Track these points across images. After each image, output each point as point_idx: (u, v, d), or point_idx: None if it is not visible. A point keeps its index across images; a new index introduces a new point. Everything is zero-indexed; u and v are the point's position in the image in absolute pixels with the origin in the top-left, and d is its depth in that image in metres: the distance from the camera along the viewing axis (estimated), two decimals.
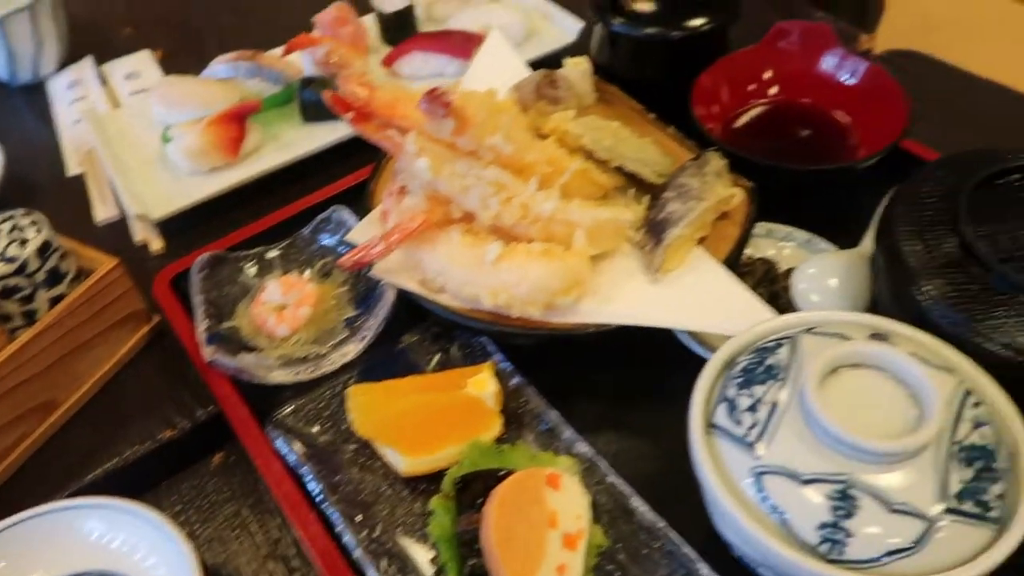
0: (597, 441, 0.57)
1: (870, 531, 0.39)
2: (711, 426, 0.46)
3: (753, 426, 0.43)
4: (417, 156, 0.56)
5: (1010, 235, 0.52)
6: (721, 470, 0.44)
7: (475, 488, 0.50)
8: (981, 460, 0.41)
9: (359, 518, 0.51)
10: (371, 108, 0.56)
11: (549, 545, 0.47)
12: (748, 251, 0.66)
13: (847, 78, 0.73)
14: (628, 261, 0.61)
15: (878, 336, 0.46)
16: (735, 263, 0.61)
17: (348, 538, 0.50)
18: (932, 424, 0.40)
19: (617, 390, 0.61)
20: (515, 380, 0.58)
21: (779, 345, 0.47)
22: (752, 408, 0.44)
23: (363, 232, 0.64)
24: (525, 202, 0.58)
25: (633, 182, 0.66)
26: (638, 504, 0.50)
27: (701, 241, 0.62)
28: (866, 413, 0.42)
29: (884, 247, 0.54)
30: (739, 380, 0.46)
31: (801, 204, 0.70)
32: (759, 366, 0.46)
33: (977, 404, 0.43)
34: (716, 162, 0.64)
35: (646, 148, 0.65)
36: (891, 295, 0.54)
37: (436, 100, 0.49)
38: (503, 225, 0.59)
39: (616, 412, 0.60)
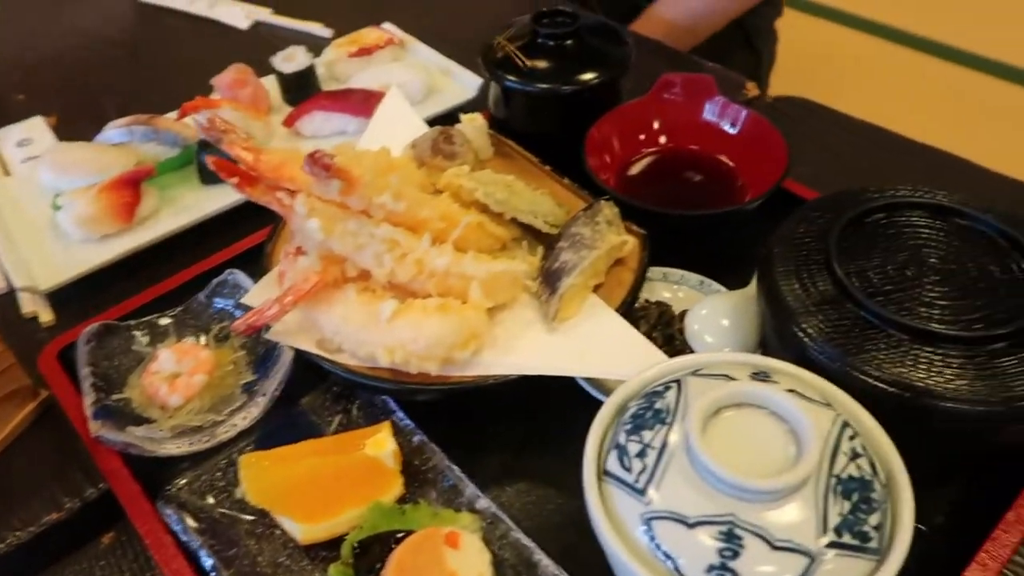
0: (503, 494, 0.57)
1: (756, 571, 0.40)
2: (604, 473, 0.46)
3: (642, 472, 0.44)
4: (307, 217, 0.56)
5: (878, 271, 0.54)
6: (614, 518, 0.44)
7: (373, 552, 0.49)
8: (858, 492, 0.42)
9: None
10: (258, 171, 0.55)
11: None
12: (644, 295, 0.68)
13: (729, 125, 0.76)
14: (526, 311, 0.62)
15: (760, 375, 0.48)
16: (630, 308, 0.63)
17: None
18: (809, 459, 0.41)
19: (522, 440, 0.61)
20: (417, 437, 0.58)
21: (667, 388, 0.48)
22: (641, 454, 0.45)
23: (259, 295, 0.63)
24: (419, 258, 0.58)
25: (531, 233, 0.68)
26: (541, 558, 0.50)
27: (597, 288, 0.63)
28: (749, 452, 0.43)
29: (764, 288, 0.56)
30: (629, 426, 0.47)
31: (694, 247, 0.73)
32: (648, 410, 0.47)
33: (853, 436, 0.45)
34: (608, 211, 0.65)
35: (539, 200, 0.66)
36: (775, 334, 0.56)
37: (317, 163, 0.50)
38: (399, 281, 0.59)
39: (521, 463, 0.60)
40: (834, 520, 0.41)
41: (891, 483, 0.45)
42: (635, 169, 0.78)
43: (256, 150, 0.55)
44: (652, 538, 0.42)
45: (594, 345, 0.59)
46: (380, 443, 0.54)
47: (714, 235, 0.73)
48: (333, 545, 0.52)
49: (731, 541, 0.40)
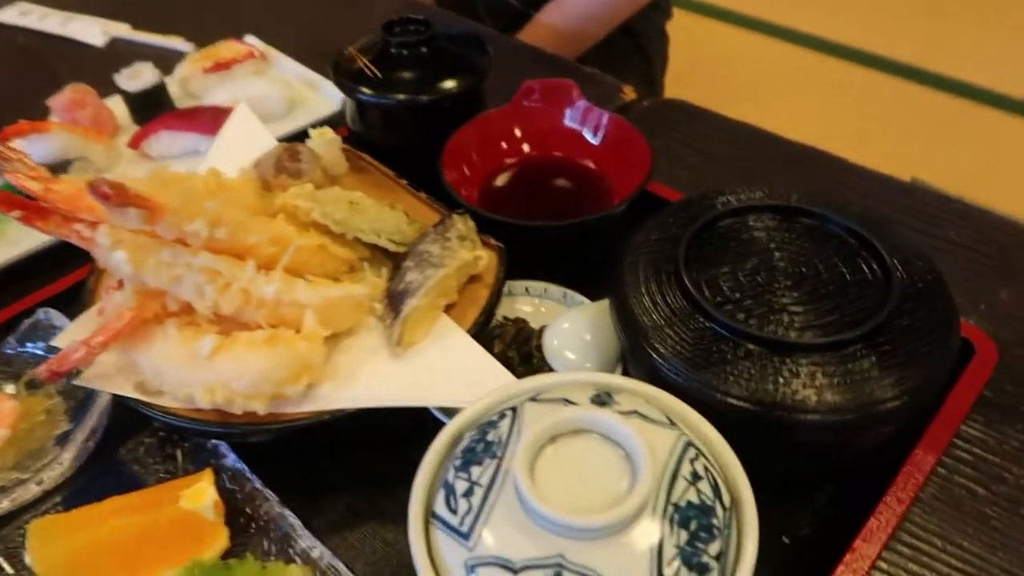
0: (343, 541, 0.53)
1: None
2: (432, 516, 0.42)
3: (468, 513, 0.40)
4: (112, 249, 0.50)
5: (729, 279, 0.52)
6: (440, 566, 0.40)
7: None
8: (697, 519, 0.39)
9: None
10: (49, 202, 0.50)
11: None
12: (503, 312, 0.64)
13: (591, 130, 0.74)
14: (372, 337, 0.58)
15: (601, 397, 0.44)
16: (484, 327, 0.59)
17: None
18: (641, 489, 0.38)
19: (369, 479, 0.57)
20: (251, 483, 0.52)
21: (501, 417, 0.44)
22: (468, 492, 0.41)
23: (74, 335, 0.57)
24: (245, 287, 0.53)
25: (384, 253, 0.63)
26: None
27: (449, 308, 0.60)
28: (583, 484, 0.40)
29: (615, 302, 0.54)
30: (459, 461, 0.43)
31: (560, 259, 0.70)
32: (480, 443, 0.43)
33: (696, 457, 0.42)
34: (461, 225, 0.62)
35: (385, 217, 0.62)
36: (628, 350, 0.53)
37: (98, 192, 0.44)
38: (226, 314, 0.54)
39: (367, 504, 0.55)
40: (670, 553, 0.38)
41: (736, 505, 0.42)
42: (499, 180, 0.75)
43: (46, 179, 0.50)
44: None
45: (442, 371, 0.55)
46: (198, 494, 0.49)
47: (579, 245, 0.70)
48: None
49: None
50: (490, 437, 0.43)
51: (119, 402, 0.55)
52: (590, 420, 0.41)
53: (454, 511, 0.40)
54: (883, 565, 0.51)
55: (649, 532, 0.38)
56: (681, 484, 0.40)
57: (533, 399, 0.45)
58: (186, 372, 0.51)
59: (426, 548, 0.40)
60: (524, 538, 0.38)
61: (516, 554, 0.38)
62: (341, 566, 0.48)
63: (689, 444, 0.42)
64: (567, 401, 0.44)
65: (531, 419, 0.43)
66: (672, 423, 0.44)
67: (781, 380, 0.47)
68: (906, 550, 0.52)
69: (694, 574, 0.38)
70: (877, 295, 0.50)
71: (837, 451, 0.51)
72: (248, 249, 0.55)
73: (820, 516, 0.54)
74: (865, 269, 0.52)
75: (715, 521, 0.40)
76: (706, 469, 0.42)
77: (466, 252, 0.60)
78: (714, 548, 0.39)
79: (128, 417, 0.55)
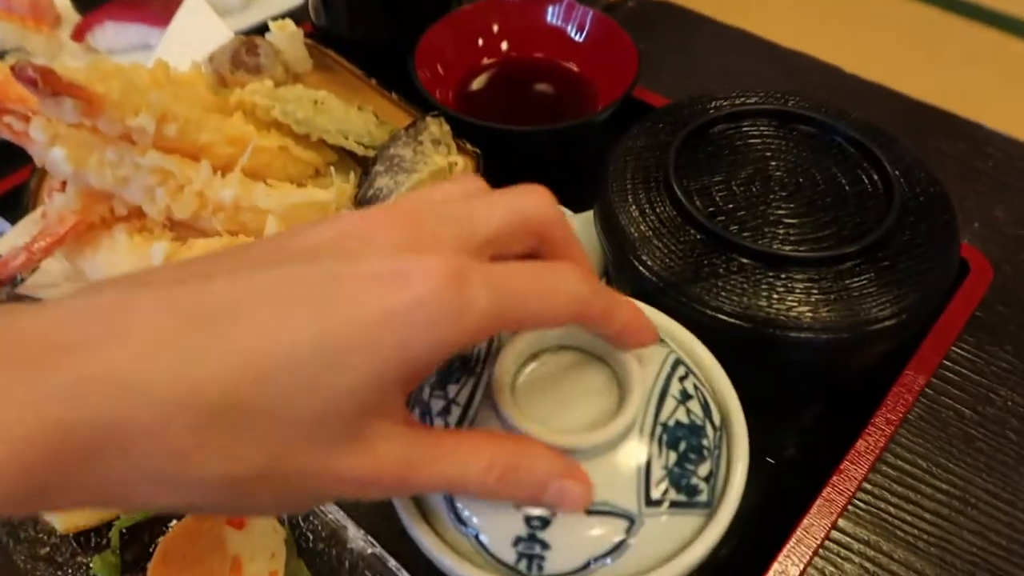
0: None
1: (570, 540, 0.34)
2: None
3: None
4: (49, 146, 0.46)
5: (722, 188, 0.49)
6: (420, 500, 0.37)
7: (143, 540, 0.41)
8: (686, 440, 0.37)
9: None
10: None
11: None
12: None
13: (575, 29, 0.69)
14: None
15: None
16: None
17: None
18: (629, 409, 0.35)
19: None
20: None
21: None
22: (444, 411, 0.38)
23: (16, 240, 0.53)
24: (200, 190, 0.49)
25: (352, 158, 0.59)
26: (352, 532, 0.44)
27: None
28: (566, 403, 0.37)
29: (600, 211, 0.50)
30: (434, 379, 0.40)
31: (540, 167, 0.66)
32: (456, 359, 0.40)
33: (685, 376, 0.39)
34: (435, 128, 0.57)
35: (353, 118, 0.58)
36: (612, 263, 0.50)
37: (22, 76, 0.39)
38: (180, 220, 0.50)
39: None
40: (658, 475, 0.36)
41: (726, 426, 0.40)
42: (476, 82, 0.70)
43: None
44: (452, 510, 0.36)
45: None
46: None
47: (562, 152, 0.66)
48: (105, 532, 0.44)
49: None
50: (467, 353, 0.40)
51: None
52: (573, 336, 0.38)
53: None
54: (868, 487, 0.50)
55: (636, 453, 0.36)
56: (670, 403, 0.38)
57: None
58: None
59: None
60: None
61: None
62: None
63: (679, 362, 0.40)
64: None
65: (511, 335, 0.40)
66: (660, 340, 0.41)
67: (775, 296, 0.44)
68: (891, 471, 0.51)
69: (683, 496, 0.36)
70: (877, 208, 0.48)
71: (829, 371, 0.49)
72: (202, 149, 0.50)
73: (806, 437, 0.52)
74: (865, 180, 0.49)
75: (705, 442, 0.38)
76: (696, 388, 0.39)
77: (440, 157, 0.56)
78: (703, 469, 0.37)
79: None
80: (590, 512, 0.34)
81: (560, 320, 0.29)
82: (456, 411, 0.37)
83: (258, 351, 0.22)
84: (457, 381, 0.38)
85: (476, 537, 0.34)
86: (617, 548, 0.34)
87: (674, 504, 0.36)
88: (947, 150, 0.73)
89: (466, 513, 0.35)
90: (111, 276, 0.28)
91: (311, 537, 0.44)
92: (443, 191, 0.30)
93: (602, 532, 0.34)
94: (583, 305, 0.29)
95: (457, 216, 0.28)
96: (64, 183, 0.50)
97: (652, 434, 0.36)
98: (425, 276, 0.24)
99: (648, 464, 0.35)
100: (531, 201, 0.31)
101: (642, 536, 0.35)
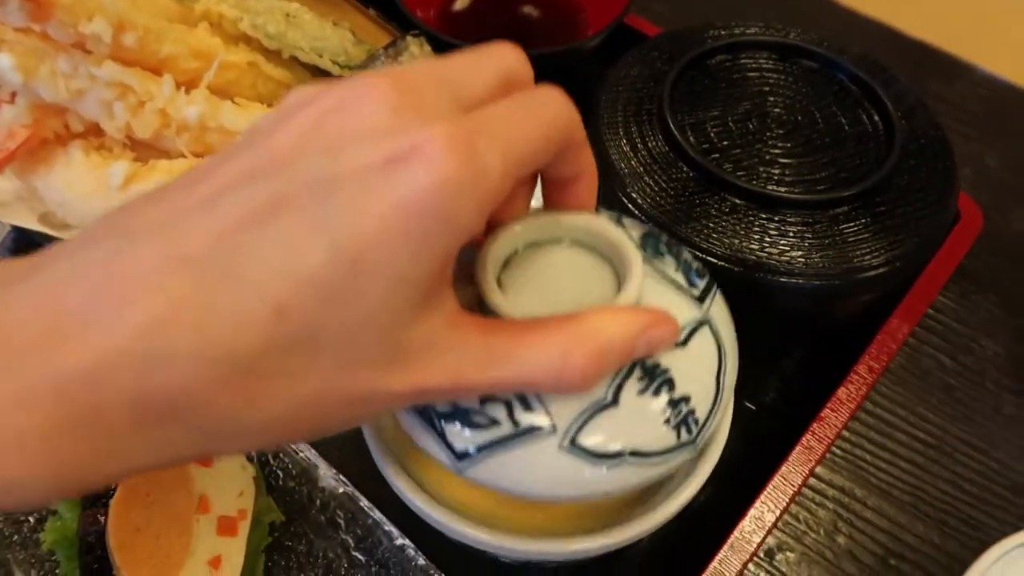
0: None
1: (695, 377, 0.30)
2: (462, 458, 0.33)
3: (511, 409, 0.28)
4: None
5: (717, 124, 0.47)
6: (516, 483, 0.29)
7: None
8: (658, 241, 0.33)
9: None
10: None
11: (199, 535, 0.38)
12: None
13: None
14: None
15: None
16: None
17: None
18: (634, 272, 0.29)
19: None
20: None
21: None
22: (487, 396, 0.34)
23: None
24: (162, 107, 0.46)
25: (323, 77, 0.56)
26: (323, 470, 0.42)
27: None
28: (563, 292, 0.30)
29: (591, 146, 0.48)
30: None
31: None
32: None
33: (660, 235, 0.34)
34: (416, 49, 0.54)
35: (329, 34, 0.54)
36: (600, 200, 0.48)
37: None
38: (141, 139, 0.47)
39: None
40: (680, 277, 0.32)
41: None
42: (459, 2, 0.66)
43: None
44: (591, 453, 0.28)
45: None
46: None
47: (547, 80, 0.63)
48: None
49: (655, 375, 0.29)
50: None
51: (23, 235, 0.48)
52: (544, 226, 0.31)
53: (494, 422, 0.29)
54: (846, 434, 0.50)
55: (654, 273, 0.31)
56: (621, 226, 0.32)
57: None
58: (96, 204, 0.45)
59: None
60: None
61: (598, 389, 0.28)
62: None
63: (647, 233, 0.34)
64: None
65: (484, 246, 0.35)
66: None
67: (767, 239, 0.43)
68: (869, 419, 0.51)
69: (705, 278, 0.33)
70: (876, 151, 0.46)
71: (815, 317, 0.48)
72: (163, 62, 0.47)
73: (788, 383, 0.52)
74: (865, 121, 0.47)
75: (664, 238, 0.34)
76: (609, 217, 0.33)
77: None
78: (687, 254, 0.34)
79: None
80: (684, 343, 0.30)
81: (555, 149, 0.26)
82: None
83: (272, 284, 0.20)
84: None
85: (633, 453, 0.29)
86: (720, 351, 0.31)
87: (708, 288, 0.33)
88: (941, 92, 0.71)
89: (611, 443, 0.28)
90: (90, 223, 0.24)
91: (280, 475, 0.42)
92: (410, 65, 0.27)
93: (704, 349, 0.31)
94: (572, 126, 0.27)
95: (439, 77, 0.24)
96: (13, 94, 0.47)
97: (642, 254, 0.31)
98: (428, 154, 0.21)
99: (667, 276, 0.32)
100: (510, 56, 0.27)
101: (718, 328, 0.32)
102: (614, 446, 0.28)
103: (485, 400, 0.29)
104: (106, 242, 0.21)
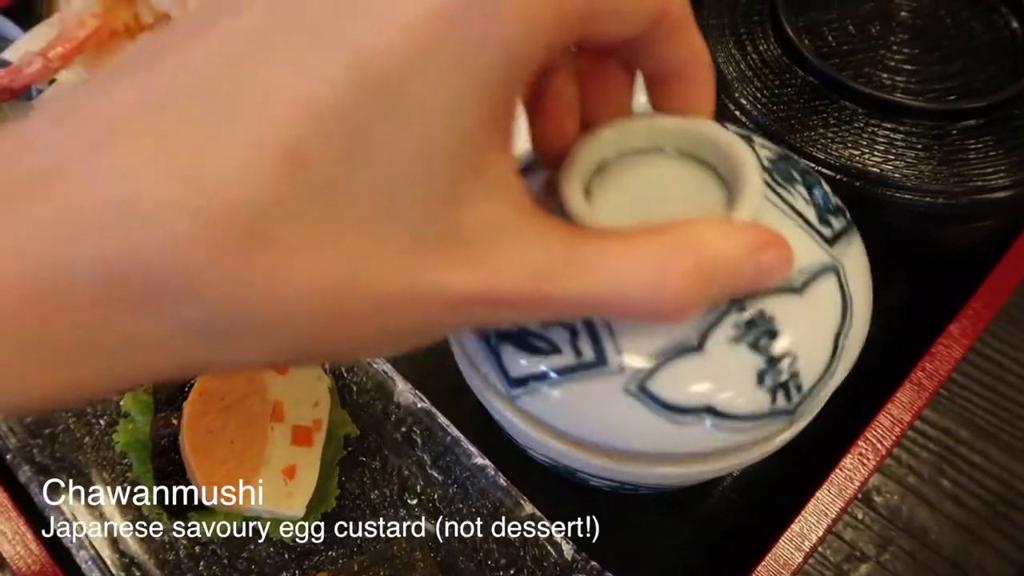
0: None
1: (807, 332, 0.25)
2: (516, 385, 0.28)
3: (576, 336, 0.24)
4: None
5: (836, 27, 0.42)
6: (579, 425, 0.26)
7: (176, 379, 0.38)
8: (791, 168, 0.29)
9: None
10: None
11: (273, 443, 0.37)
12: None
13: None
14: None
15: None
16: None
17: (11, 458, 0.38)
18: (747, 163, 0.24)
19: None
20: None
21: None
22: None
23: (30, 45, 0.47)
24: None
25: None
26: (400, 384, 0.40)
27: None
28: (662, 204, 0.26)
29: None
30: None
31: None
32: None
33: (788, 156, 0.30)
34: None
35: None
36: None
37: None
38: None
39: None
40: (811, 213, 0.27)
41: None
42: None
43: None
44: (663, 403, 0.24)
45: None
46: None
47: None
48: None
49: (757, 323, 0.25)
50: None
51: None
52: (643, 131, 0.26)
53: (555, 349, 0.26)
54: (953, 374, 0.46)
55: (777, 207, 0.27)
56: (799, 189, 0.28)
57: None
58: None
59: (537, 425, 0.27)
60: None
61: (683, 330, 0.25)
62: None
63: (781, 156, 0.29)
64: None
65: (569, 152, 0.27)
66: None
67: (880, 149, 0.39)
68: (979, 359, 0.47)
69: (842, 218, 0.29)
70: (1013, 61, 0.41)
71: (933, 241, 0.44)
72: None
73: (891, 316, 0.48)
74: (1002, 27, 0.42)
75: (801, 164, 0.29)
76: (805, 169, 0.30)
77: None
78: (826, 187, 0.29)
79: None
80: (800, 290, 0.26)
81: (640, 11, 0.20)
82: None
83: (282, 116, 0.15)
84: None
85: (711, 412, 0.25)
86: (845, 304, 0.27)
87: (843, 231, 0.28)
88: None
89: (687, 397, 0.24)
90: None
91: (355, 389, 0.41)
92: None
93: (824, 299, 0.26)
94: None
95: None
96: None
97: (770, 180, 0.27)
98: None
99: (795, 209, 0.27)
100: None
101: (849, 276, 0.27)
102: (690, 400, 0.24)
103: (548, 322, 0.25)
104: (89, 88, 0.18)
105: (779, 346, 0.24)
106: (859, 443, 0.40)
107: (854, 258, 0.28)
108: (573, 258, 0.19)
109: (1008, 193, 0.39)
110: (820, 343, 0.26)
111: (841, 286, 0.26)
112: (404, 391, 0.40)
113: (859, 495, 0.43)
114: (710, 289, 0.21)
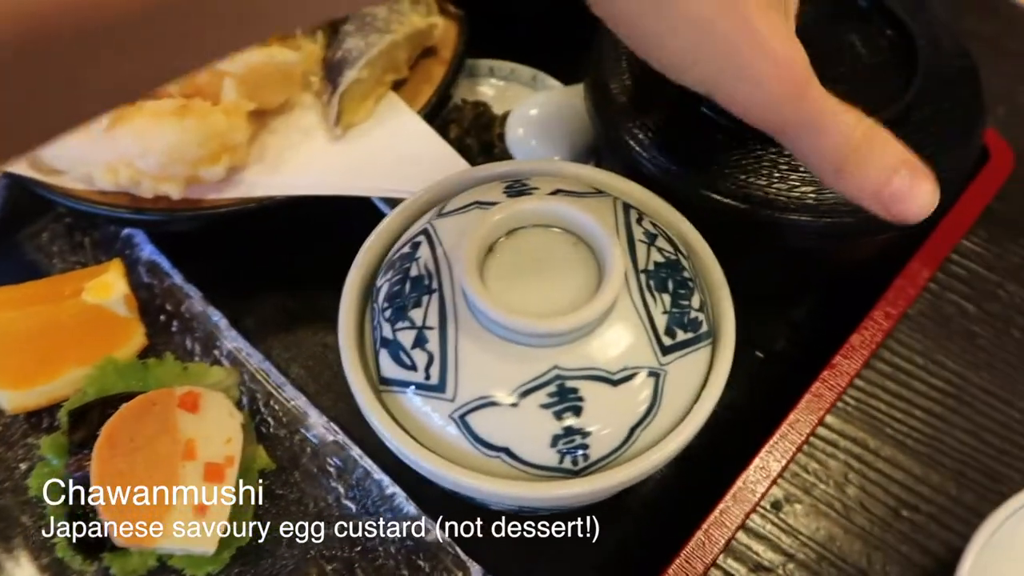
0: (281, 340, 0.48)
1: (606, 417, 0.32)
2: (382, 382, 0.34)
3: (431, 363, 0.32)
4: None
5: None
6: (414, 430, 0.33)
7: (91, 421, 0.39)
8: (671, 278, 0.34)
9: None
10: None
11: (184, 481, 0.38)
12: (462, 95, 0.56)
13: None
14: (308, 117, 0.50)
15: (515, 188, 0.37)
16: (439, 109, 0.51)
17: None
18: (614, 266, 0.31)
19: (307, 276, 0.50)
20: (171, 278, 0.47)
21: (415, 247, 0.36)
22: (420, 341, 0.33)
23: None
24: None
25: None
26: (315, 417, 0.42)
27: (398, 86, 0.51)
28: (544, 283, 0.33)
29: (591, 80, 0.46)
30: (388, 312, 0.35)
31: (531, 34, 0.60)
32: (404, 283, 0.35)
33: (640, 218, 0.36)
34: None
35: None
36: (603, 138, 0.46)
37: None
38: None
39: (304, 304, 0.50)
40: (661, 322, 0.33)
41: (690, 251, 0.37)
42: None
43: None
44: (472, 436, 0.32)
45: (387, 156, 0.48)
46: (104, 287, 0.43)
47: (554, 15, 0.60)
48: (56, 413, 0.42)
49: (567, 398, 0.31)
50: (413, 272, 0.35)
51: (14, 181, 0.47)
52: (525, 213, 0.34)
53: (413, 367, 0.33)
54: (860, 383, 0.48)
55: (634, 309, 0.33)
56: (642, 249, 0.35)
57: (440, 215, 0.37)
58: (82, 146, 0.44)
59: (390, 418, 0.33)
60: (506, 364, 0.32)
61: (505, 384, 0.31)
62: (272, 368, 0.43)
63: (627, 206, 0.37)
64: (480, 204, 0.36)
65: (451, 236, 0.35)
66: (599, 191, 0.38)
67: (776, 174, 0.40)
68: (886, 367, 0.48)
69: (690, 333, 0.34)
70: (896, 81, 0.43)
71: (828, 259, 0.46)
72: None
73: (799, 330, 0.50)
74: (888, 50, 0.44)
75: (686, 274, 0.35)
76: (653, 225, 0.36)
77: (418, 18, 0.51)
78: (696, 301, 0.35)
79: (27, 199, 0.48)
80: (616, 383, 0.32)
81: None
82: (433, 335, 0.33)
83: None
84: (418, 304, 0.34)
85: (508, 453, 0.32)
86: (652, 407, 0.32)
87: (685, 344, 0.34)
88: (976, 28, 0.67)
89: (490, 435, 0.32)
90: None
91: (271, 423, 0.42)
92: None
93: (634, 397, 0.32)
94: None
95: None
96: None
97: (640, 285, 0.33)
98: None
99: (649, 315, 0.33)
100: None
101: (670, 385, 0.33)
102: (494, 439, 0.31)
103: (418, 343, 0.33)
104: None
105: (577, 422, 0.31)
106: (761, 454, 0.41)
107: (687, 369, 0.33)
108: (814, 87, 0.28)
109: None
110: (615, 430, 0.32)
111: (655, 390, 0.32)
112: (318, 424, 0.41)
113: (763, 505, 0.44)
114: (865, 169, 0.29)
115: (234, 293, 0.48)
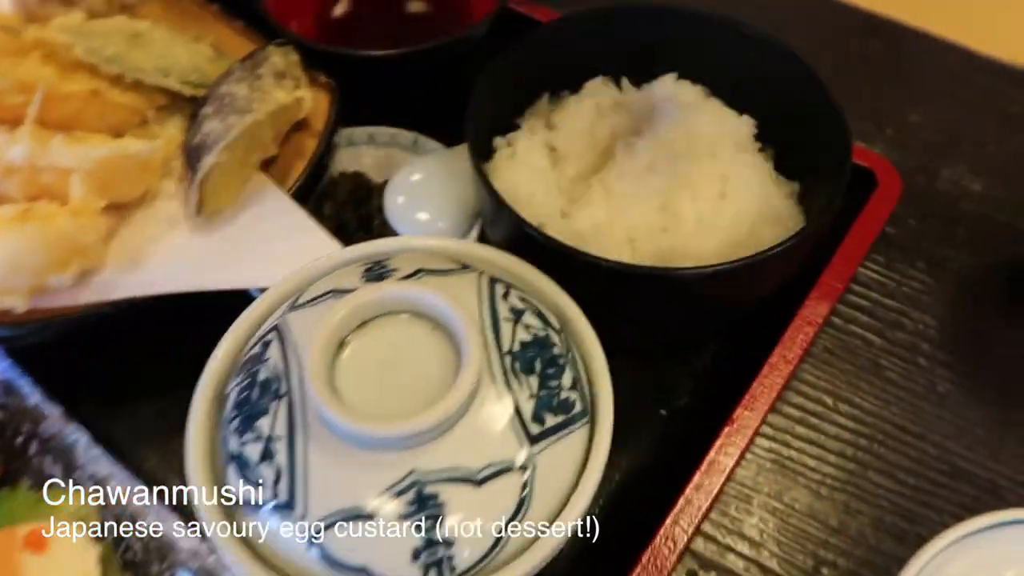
0: (158, 451, 0.45)
1: (470, 523, 0.29)
2: (236, 504, 0.31)
3: (279, 478, 0.30)
4: None
5: None
6: (267, 554, 0.30)
7: None
8: (538, 357, 0.32)
9: None
10: None
11: None
12: (345, 165, 0.54)
13: None
14: (172, 207, 0.47)
15: (375, 271, 0.35)
16: (312, 185, 0.49)
17: None
18: (471, 356, 0.29)
19: (183, 379, 0.47)
20: (27, 397, 0.43)
21: (265, 346, 0.33)
22: (267, 455, 0.30)
23: None
24: None
25: (187, 101, 0.51)
26: (184, 542, 0.38)
27: (268, 165, 0.49)
28: (399, 380, 0.31)
29: (470, 145, 0.44)
30: (236, 422, 0.32)
31: (411, 98, 0.59)
32: (252, 388, 0.32)
33: (507, 292, 0.34)
34: (278, 59, 0.50)
35: (175, 53, 0.50)
36: (488, 203, 0.44)
37: None
38: None
39: (179, 413, 0.47)
40: (528, 408, 0.31)
41: (563, 322, 0.35)
42: (339, 8, 0.62)
43: None
44: (328, 558, 0.29)
45: (256, 243, 0.45)
46: None
47: (434, 79, 0.59)
48: None
49: (425, 505, 0.29)
50: (263, 376, 0.32)
51: None
52: (370, 305, 0.32)
53: (259, 484, 0.30)
54: (768, 431, 0.46)
55: (499, 396, 0.31)
56: (506, 328, 0.32)
57: (293, 307, 0.34)
58: None
59: (241, 543, 0.30)
60: (361, 474, 0.29)
61: (362, 496, 0.29)
62: (140, 488, 0.40)
63: (493, 280, 0.35)
64: (337, 292, 0.34)
65: (302, 333, 0.32)
66: (465, 266, 0.35)
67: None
68: (793, 411, 0.47)
69: (561, 416, 0.32)
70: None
71: (725, 306, 0.44)
72: None
73: (700, 383, 0.48)
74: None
75: (556, 350, 0.33)
76: (522, 299, 0.34)
77: (283, 94, 0.48)
78: (567, 379, 0.33)
79: None
80: (480, 483, 0.29)
81: None
82: (281, 446, 0.30)
83: None
84: (265, 412, 0.31)
85: (367, 574, 0.29)
86: (522, 502, 0.30)
87: (556, 428, 0.31)
88: (862, 51, 0.68)
89: (346, 555, 0.29)
90: None
91: (137, 550, 0.38)
92: None
93: (501, 497, 0.30)
94: None
95: None
96: None
97: (504, 368, 0.31)
98: None
99: (515, 403, 0.31)
100: None
101: (540, 476, 0.31)
102: (350, 560, 0.29)
103: (265, 457, 0.30)
104: None
105: (440, 531, 0.28)
106: (666, 524, 0.39)
107: (560, 456, 0.31)
108: None
109: (779, 248, 0.39)
110: (482, 537, 0.29)
111: (524, 484, 0.30)
112: (186, 548, 0.38)
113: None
114: None
115: (105, 403, 0.45)
